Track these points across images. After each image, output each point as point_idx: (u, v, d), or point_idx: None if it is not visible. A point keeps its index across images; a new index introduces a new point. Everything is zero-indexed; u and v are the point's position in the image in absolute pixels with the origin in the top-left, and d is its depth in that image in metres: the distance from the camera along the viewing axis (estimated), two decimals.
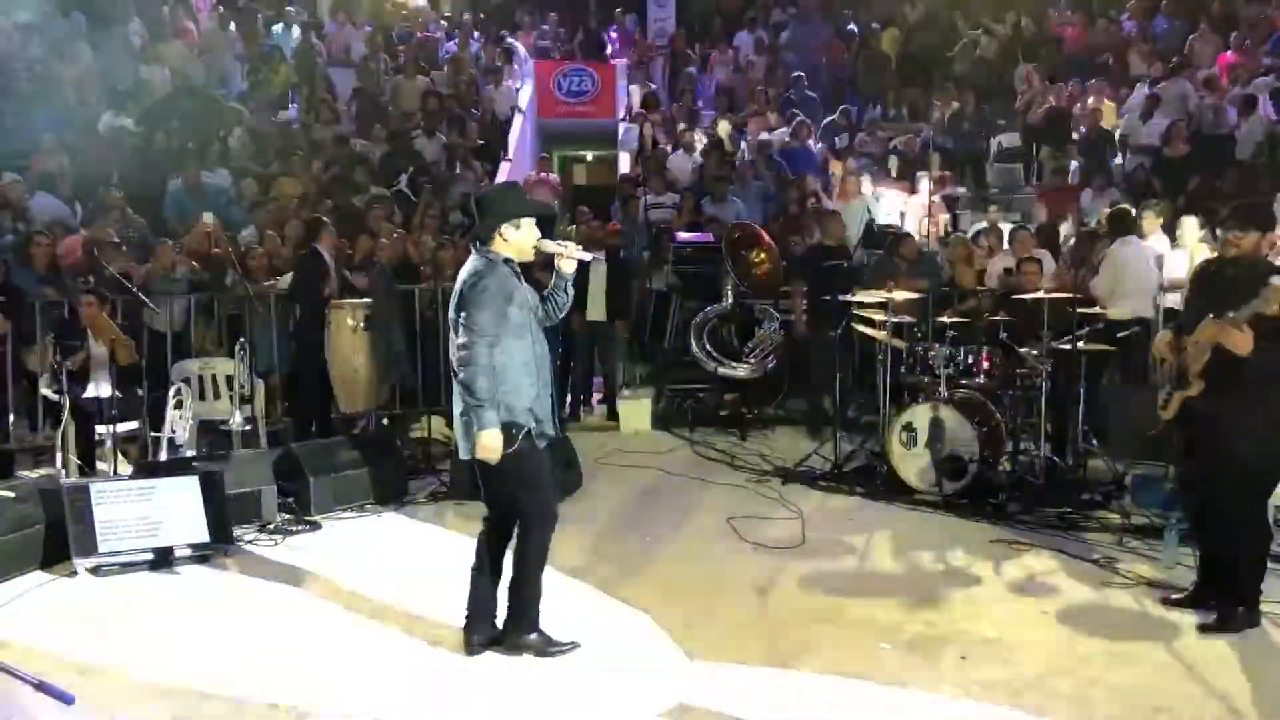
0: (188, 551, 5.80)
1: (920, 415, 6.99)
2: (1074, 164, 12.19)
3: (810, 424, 9.00)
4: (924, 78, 15.25)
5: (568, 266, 4.51)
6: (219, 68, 14.32)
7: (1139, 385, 7.31)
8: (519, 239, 4.40)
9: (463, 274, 4.37)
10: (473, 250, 4.44)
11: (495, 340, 4.23)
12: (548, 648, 4.49)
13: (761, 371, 9.25)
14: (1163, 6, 15.19)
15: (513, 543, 4.50)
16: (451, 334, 4.36)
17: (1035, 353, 7.02)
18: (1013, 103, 13.85)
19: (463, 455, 4.41)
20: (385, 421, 8.62)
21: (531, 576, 4.45)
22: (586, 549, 5.94)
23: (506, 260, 4.37)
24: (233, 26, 15.46)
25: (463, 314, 4.27)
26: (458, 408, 4.38)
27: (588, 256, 4.66)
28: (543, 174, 13.90)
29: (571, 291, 4.62)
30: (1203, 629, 4.79)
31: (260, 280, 8.64)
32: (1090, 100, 13.10)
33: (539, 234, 4.45)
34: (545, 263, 4.68)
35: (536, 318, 4.45)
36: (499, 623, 4.56)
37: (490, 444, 4.24)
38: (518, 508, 4.42)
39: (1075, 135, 12.73)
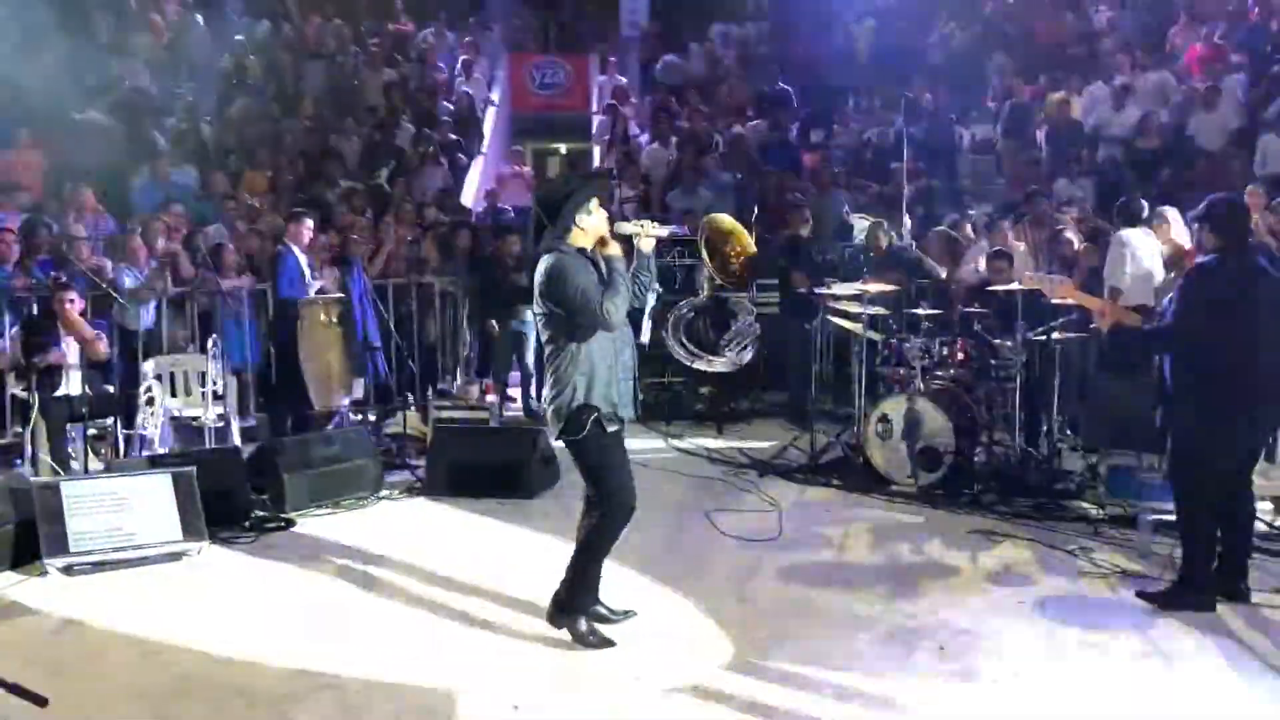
0: (161, 550, 5.73)
1: (896, 407, 7.02)
2: (1043, 155, 12.24)
3: (789, 416, 8.99)
4: (897, 70, 15.27)
5: (646, 245, 4.58)
6: (186, 60, 14.17)
7: (1117, 375, 7.33)
8: (593, 224, 4.40)
9: (539, 274, 4.32)
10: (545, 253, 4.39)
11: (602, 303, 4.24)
12: (588, 636, 4.50)
13: (738, 365, 9.25)
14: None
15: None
16: (540, 331, 4.41)
17: (1010, 344, 7.06)
18: (984, 95, 13.88)
19: (553, 439, 4.56)
20: (360, 417, 8.57)
21: (597, 559, 4.54)
22: (565, 544, 5.91)
23: (580, 250, 4.38)
24: (200, 19, 15.29)
25: (554, 302, 4.26)
26: (548, 398, 4.41)
27: (664, 232, 4.69)
28: (515, 167, 13.86)
29: (654, 269, 4.65)
30: (1140, 595, 4.97)
31: (231, 275, 8.56)
32: (1060, 93, 13.14)
33: (605, 214, 4.46)
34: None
35: None
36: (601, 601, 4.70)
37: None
38: (599, 488, 4.48)
39: (1044, 127, 12.77)
